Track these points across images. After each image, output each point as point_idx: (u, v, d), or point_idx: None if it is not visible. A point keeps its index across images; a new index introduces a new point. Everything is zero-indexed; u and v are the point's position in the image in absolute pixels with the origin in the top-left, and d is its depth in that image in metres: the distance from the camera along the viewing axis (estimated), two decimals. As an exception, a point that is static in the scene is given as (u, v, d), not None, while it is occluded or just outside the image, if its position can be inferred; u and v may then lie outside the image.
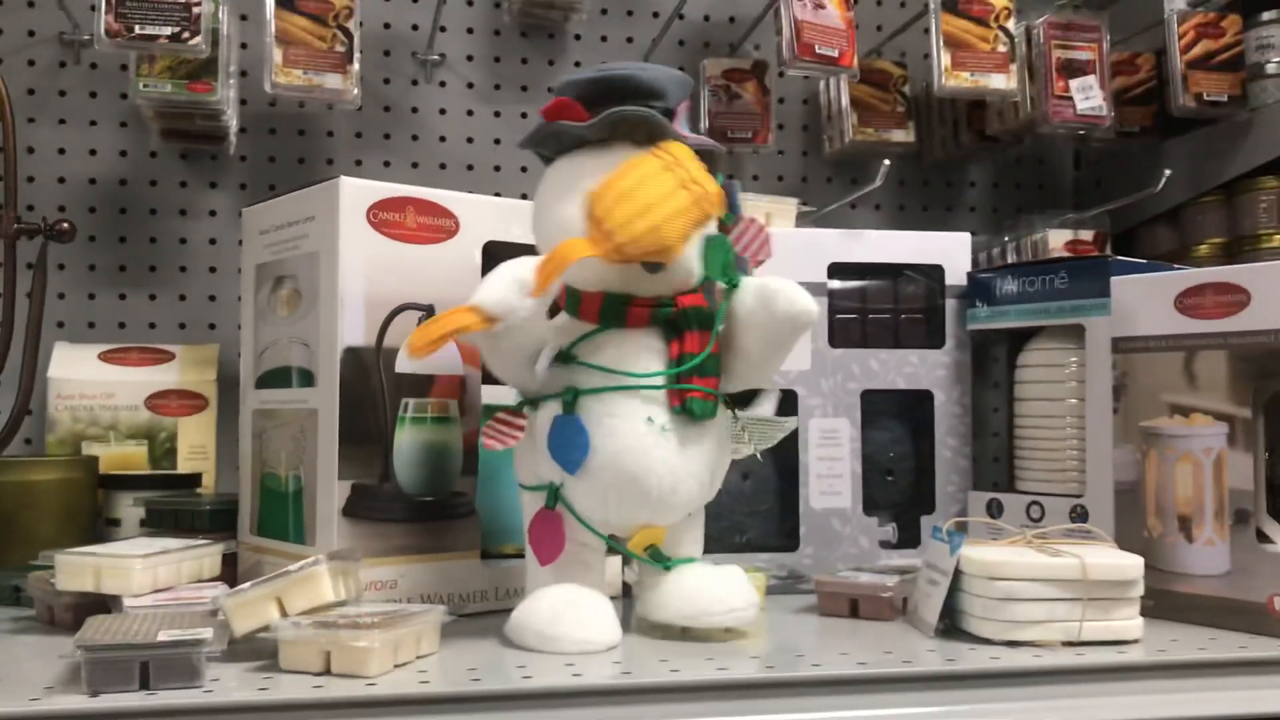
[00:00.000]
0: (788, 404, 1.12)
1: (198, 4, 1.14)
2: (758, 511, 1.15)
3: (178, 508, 1.06)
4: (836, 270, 1.17)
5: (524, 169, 1.48)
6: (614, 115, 0.84)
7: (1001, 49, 1.34)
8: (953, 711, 0.78)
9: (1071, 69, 1.38)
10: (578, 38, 1.51)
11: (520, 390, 0.89)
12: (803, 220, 1.38)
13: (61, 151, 1.36)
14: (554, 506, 0.86)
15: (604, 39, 1.51)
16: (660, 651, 0.83)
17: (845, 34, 1.27)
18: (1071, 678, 0.80)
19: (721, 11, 1.55)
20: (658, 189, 0.81)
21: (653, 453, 0.83)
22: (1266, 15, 1.37)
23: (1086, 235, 1.46)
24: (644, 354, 0.85)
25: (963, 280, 1.19)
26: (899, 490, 1.18)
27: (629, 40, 1.52)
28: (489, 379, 1.00)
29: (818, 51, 1.25)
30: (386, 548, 0.93)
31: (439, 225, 0.98)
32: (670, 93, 0.88)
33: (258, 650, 0.80)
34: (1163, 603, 0.94)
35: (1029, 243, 1.47)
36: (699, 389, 0.84)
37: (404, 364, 0.95)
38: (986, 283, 1.17)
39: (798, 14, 1.24)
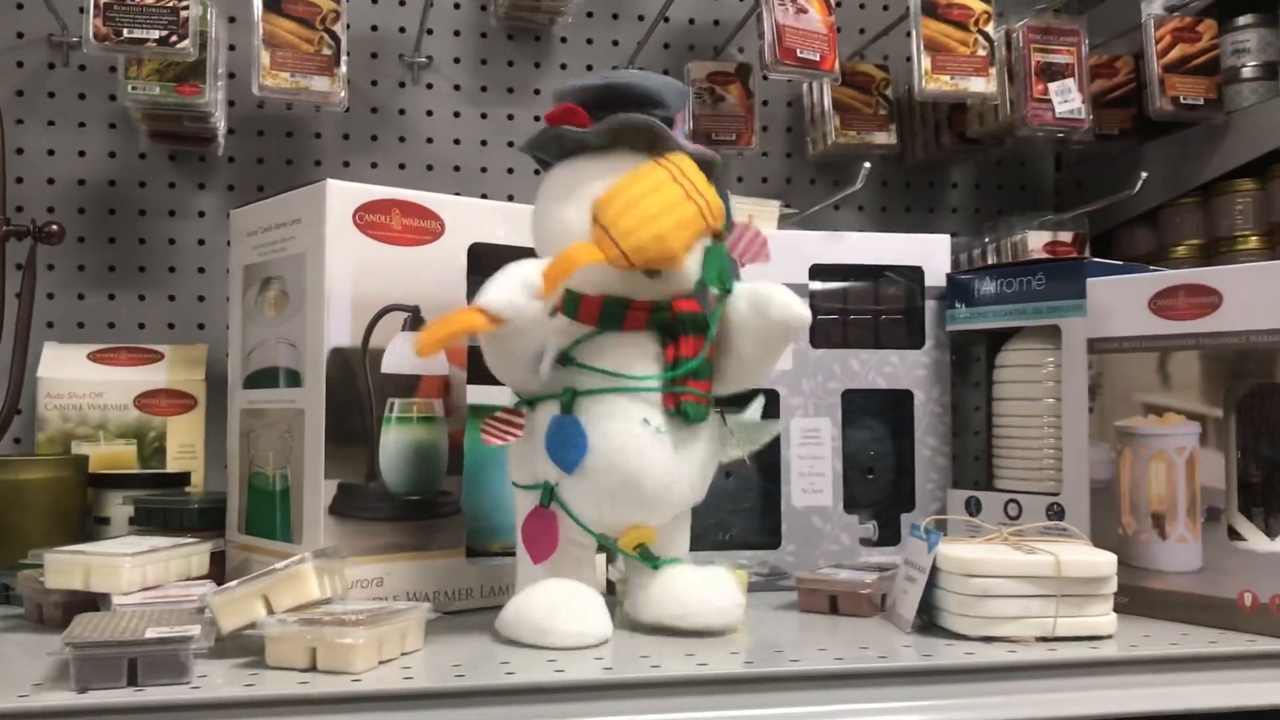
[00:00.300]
0: (770, 404, 1.13)
1: (185, 8, 1.14)
2: (741, 509, 1.17)
3: (166, 506, 1.07)
4: (818, 272, 1.19)
5: (510, 170, 1.49)
6: (618, 122, 0.86)
7: (981, 53, 1.35)
8: (928, 706, 0.79)
9: (1050, 73, 1.39)
10: (564, 40, 1.52)
11: (520, 391, 0.90)
12: (785, 222, 1.39)
13: (50, 153, 1.37)
14: (549, 505, 0.87)
15: (590, 41, 1.52)
16: (642, 647, 0.84)
17: (826, 38, 1.29)
18: (1045, 673, 0.82)
19: (706, 15, 1.56)
20: (665, 199, 0.83)
21: (648, 454, 0.85)
22: (1242, 20, 1.39)
23: (1065, 236, 1.48)
24: (641, 357, 0.87)
25: (942, 281, 1.20)
26: (879, 488, 1.20)
27: (614, 43, 1.53)
28: (474, 379, 1.01)
29: (799, 56, 1.26)
30: (372, 546, 0.94)
31: (425, 227, 0.99)
32: (671, 102, 0.90)
33: (245, 647, 0.81)
34: (1137, 599, 0.96)
35: (1008, 244, 1.48)
36: (693, 392, 0.86)
37: (390, 364, 0.96)
38: (965, 284, 1.18)
39: (779, 19, 1.26)
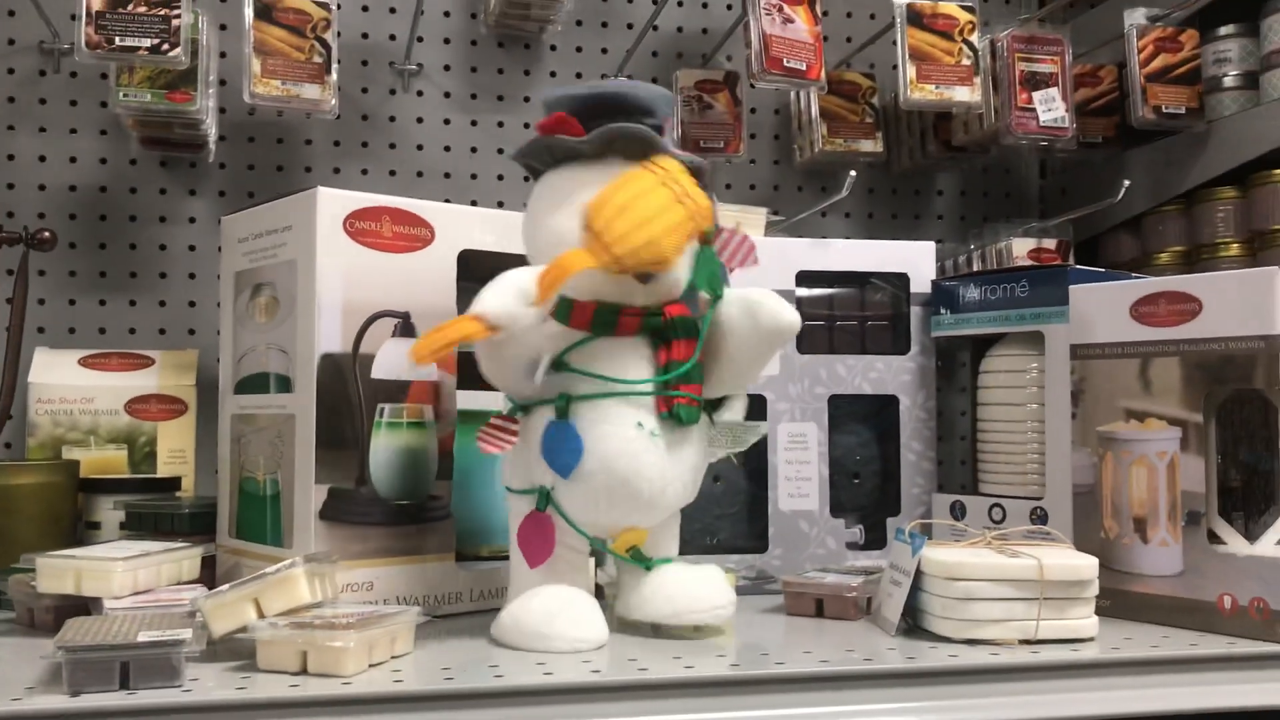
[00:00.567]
0: (757, 408, 1.14)
1: (177, 16, 1.15)
2: (728, 514, 1.18)
3: (157, 511, 1.07)
4: (804, 278, 1.20)
5: (500, 177, 1.50)
6: (613, 132, 0.87)
7: (965, 62, 1.36)
8: (913, 708, 0.80)
9: (1034, 81, 1.40)
10: (553, 48, 1.53)
11: (514, 397, 0.91)
12: (773, 229, 1.40)
13: (42, 159, 1.37)
14: (545, 510, 0.88)
15: (579, 49, 1.53)
16: (630, 650, 0.85)
17: (813, 47, 1.30)
18: (1028, 675, 0.83)
19: (694, 23, 1.57)
20: (654, 203, 0.84)
21: (642, 457, 0.86)
22: (1223, 30, 1.40)
23: (1050, 243, 1.49)
24: (633, 361, 0.88)
25: (927, 288, 1.22)
26: (865, 493, 1.21)
27: (603, 51, 1.54)
28: (464, 384, 1.02)
29: (786, 65, 1.28)
30: (363, 550, 0.95)
31: (415, 234, 1.00)
32: (659, 109, 0.91)
33: (236, 651, 0.81)
34: (1118, 602, 0.97)
35: (993, 251, 1.50)
36: (685, 395, 0.87)
37: (380, 370, 0.97)
38: (950, 290, 1.19)
39: (766, 28, 1.27)
